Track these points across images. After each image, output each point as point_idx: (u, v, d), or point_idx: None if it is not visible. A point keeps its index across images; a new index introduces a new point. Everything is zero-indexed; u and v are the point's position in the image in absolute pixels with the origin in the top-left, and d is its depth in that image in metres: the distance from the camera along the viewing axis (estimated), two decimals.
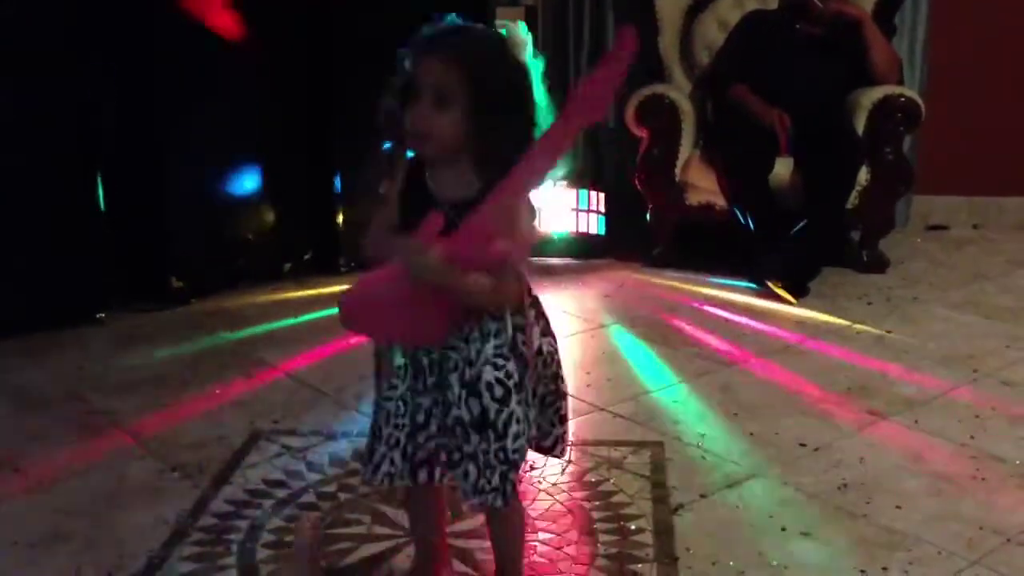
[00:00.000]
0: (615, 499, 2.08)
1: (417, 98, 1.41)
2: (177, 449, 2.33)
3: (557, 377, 1.59)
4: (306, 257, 3.81)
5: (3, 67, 2.96)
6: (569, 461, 2.20)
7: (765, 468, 2.21)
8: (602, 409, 2.54)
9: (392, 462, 1.53)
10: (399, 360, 1.51)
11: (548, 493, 2.10)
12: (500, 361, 1.47)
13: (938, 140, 4.20)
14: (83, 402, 2.62)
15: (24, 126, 3.02)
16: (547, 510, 2.03)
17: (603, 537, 1.94)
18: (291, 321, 3.28)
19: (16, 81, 3.00)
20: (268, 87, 3.54)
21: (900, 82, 3.85)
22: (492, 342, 1.47)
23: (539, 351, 1.54)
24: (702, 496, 2.09)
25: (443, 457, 1.54)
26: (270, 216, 3.69)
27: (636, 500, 2.07)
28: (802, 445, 2.32)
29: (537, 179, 1.39)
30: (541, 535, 1.94)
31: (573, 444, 2.23)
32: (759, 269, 3.53)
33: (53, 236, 3.13)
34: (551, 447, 1.64)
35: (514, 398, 1.48)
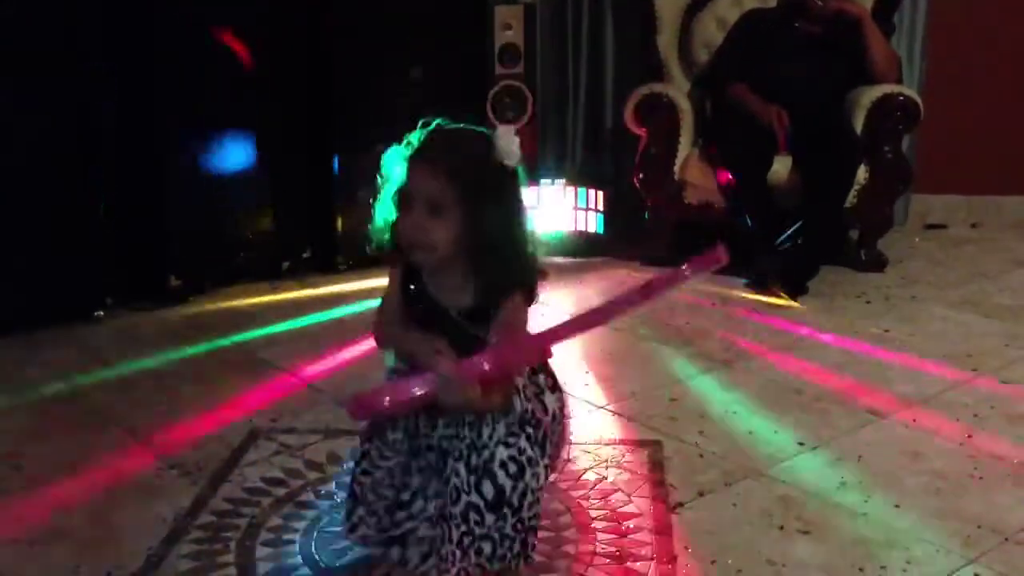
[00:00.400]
0: (613, 497, 2.08)
1: (410, 206, 1.42)
2: (176, 447, 2.33)
3: (565, 430, 1.64)
4: (305, 256, 3.82)
5: (3, 67, 2.96)
6: (567, 459, 2.20)
7: (763, 466, 2.21)
8: (600, 407, 2.55)
9: (368, 527, 1.57)
10: (396, 435, 1.54)
11: (546, 491, 2.09)
12: (512, 439, 1.50)
13: (937, 139, 4.21)
14: (82, 400, 2.62)
15: (24, 125, 3.02)
16: (545, 508, 2.02)
17: (601, 536, 1.94)
18: (289, 320, 3.28)
19: (16, 81, 3.00)
20: (268, 87, 3.55)
21: (899, 81, 3.86)
22: (503, 421, 1.50)
23: (553, 416, 1.57)
24: (700, 494, 2.09)
25: (424, 548, 1.55)
26: (269, 215, 3.69)
27: (634, 498, 2.07)
28: (800, 444, 2.32)
29: (571, 337, 1.48)
30: (539, 533, 1.93)
31: (571, 443, 2.23)
32: (758, 268, 3.53)
33: (52, 235, 3.14)
34: None
35: (528, 472, 1.51)
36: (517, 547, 1.54)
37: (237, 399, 2.62)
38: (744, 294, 3.49)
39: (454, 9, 3.91)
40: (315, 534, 1.95)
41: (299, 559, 1.87)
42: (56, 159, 3.12)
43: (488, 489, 1.49)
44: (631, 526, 1.97)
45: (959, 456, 2.26)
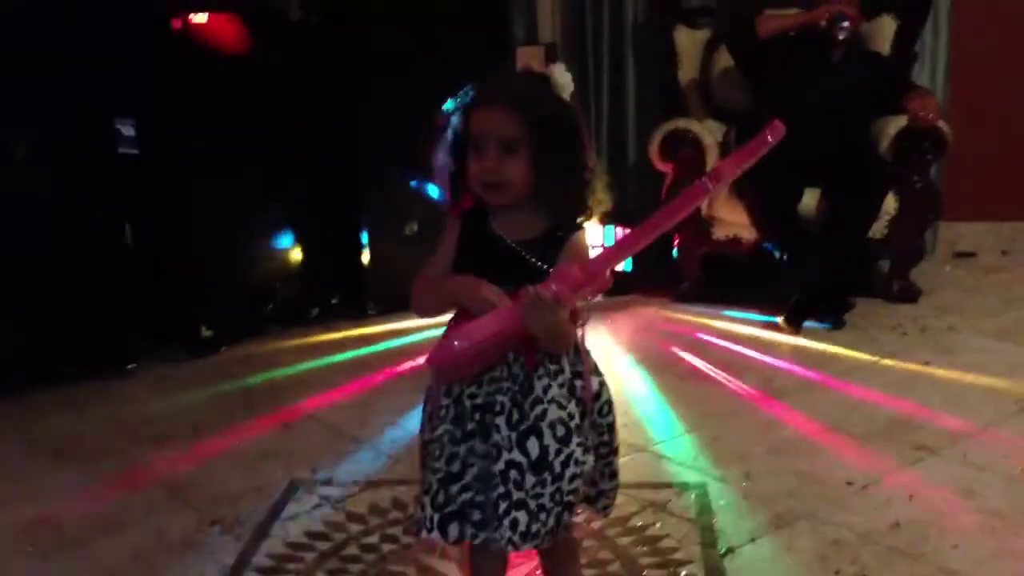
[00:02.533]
0: (663, 544, 2.04)
1: (480, 150, 1.43)
2: (215, 502, 2.30)
3: (612, 429, 1.56)
4: (333, 302, 3.81)
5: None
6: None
7: (813, 508, 2.17)
8: (641, 450, 2.51)
9: (423, 508, 1.49)
10: (444, 400, 1.49)
11: (594, 538, 2.06)
12: (564, 401, 1.45)
13: (963, 166, 4.18)
14: (119, 455, 2.60)
15: (54, 180, 3.04)
16: (595, 557, 1.99)
17: None
18: (322, 367, 3.27)
19: (41, 134, 3.02)
20: (293, 136, 3.56)
21: None
22: (557, 381, 1.46)
23: (597, 396, 1.52)
24: (752, 539, 2.04)
25: (475, 515, 1.48)
26: (297, 263, 3.69)
27: (684, 544, 2.03)
28: (849, 483, 2.28)
29: (651, 239, 1.42)
30: None
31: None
32: (790, 302, 3.50)
33: (83, 288, 3.14)
34: (595, 499, 1.60)
35: (574, 440, 1.45)
36: (552, 522, 1.44)
37: (275, 449, 2.60)
38: (777, 331, 3.45)
39: (476, 52, 3.92)
40: None
41: None
42: (86, 213, 3.13)
43: (533, 448, 1.43)
44: (683, 573, 1.93)
45: (1013, 493, 2.21)
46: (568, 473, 1.45)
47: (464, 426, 1.47)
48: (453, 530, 1.48)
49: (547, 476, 1.44)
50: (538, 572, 1.77)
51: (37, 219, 3.03)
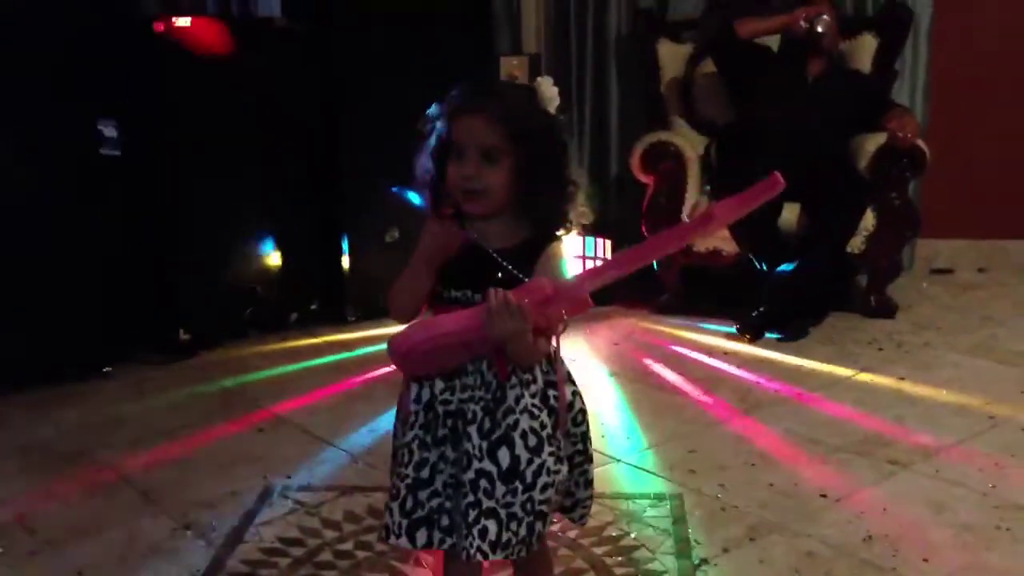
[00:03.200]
0: (637, 554, 2.04)
1: (461, 157, 1.43)
2: (189, 506, 2.30)
3: (585, 438, 1.56)
4: (312, 307, 3.80)
5: (6, 117, 2.98)
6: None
7: (787, 520, 2.18)
8: (618, 460, 2.52)
9: (391, 513, 1.49)
10: (413, 406, 1.49)
11: (569, 548, 2.07)
12: (536, 411, 1.45)
13: (941, 183, 4.21)
14: (93, 458, 2.59)
15: (32, 181, 3.03)
16: (569, 566, 2.00)
17: None
18: (300, 372, 3.26)
19: (22, 136, 3.01)
20: (275, 140, 3.55)
21: None
22: (529, 390, 1.46)
23: (570, 406, 1.53)
24: (725, 550, 2.05)
25: (443, 521, 1.47)
26: (277, 267, 3.68)
27: (659, 555, 2.03)
28: (823, 496, 2.29)
29: (631, 270, 1.42)
30: None
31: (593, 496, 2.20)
32: (754, 315, 3.55)
33: (60, 290, 3.12)
34: (571, 508, 1.61)
35: (547, 449, 1.45)
36: (523, 531, 1.44)
37: (250, 455, 2.59)
38: (755, 344, 3.47)
39: (460, 61, 3.93)
40: None
41: None
42: (63, 213, 3.11)
43: (504, 457, 1.42)
44: None
45: (984, 507, 2.23)
46: (540, 483, 1.45)
47: (435, 432, 1.47)
48: (421, 536, 1.48)
49: (518, 485, 1.43)
50: None
51: (18, 220, 3.01)
